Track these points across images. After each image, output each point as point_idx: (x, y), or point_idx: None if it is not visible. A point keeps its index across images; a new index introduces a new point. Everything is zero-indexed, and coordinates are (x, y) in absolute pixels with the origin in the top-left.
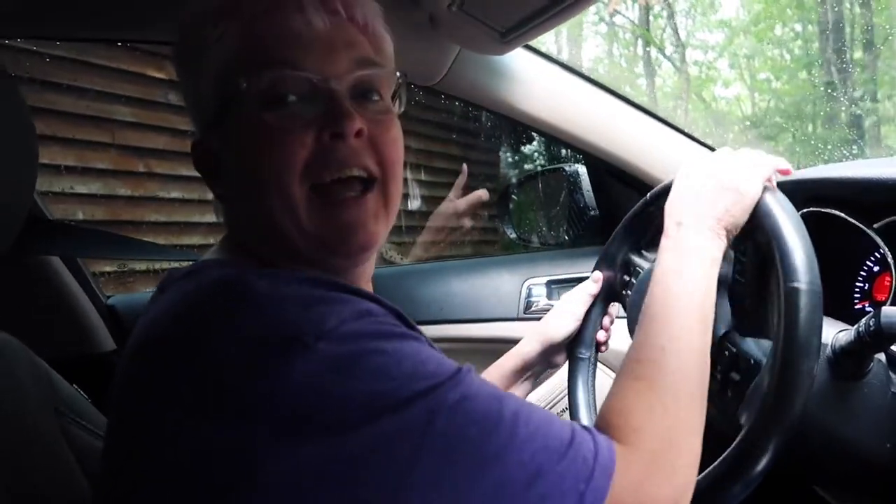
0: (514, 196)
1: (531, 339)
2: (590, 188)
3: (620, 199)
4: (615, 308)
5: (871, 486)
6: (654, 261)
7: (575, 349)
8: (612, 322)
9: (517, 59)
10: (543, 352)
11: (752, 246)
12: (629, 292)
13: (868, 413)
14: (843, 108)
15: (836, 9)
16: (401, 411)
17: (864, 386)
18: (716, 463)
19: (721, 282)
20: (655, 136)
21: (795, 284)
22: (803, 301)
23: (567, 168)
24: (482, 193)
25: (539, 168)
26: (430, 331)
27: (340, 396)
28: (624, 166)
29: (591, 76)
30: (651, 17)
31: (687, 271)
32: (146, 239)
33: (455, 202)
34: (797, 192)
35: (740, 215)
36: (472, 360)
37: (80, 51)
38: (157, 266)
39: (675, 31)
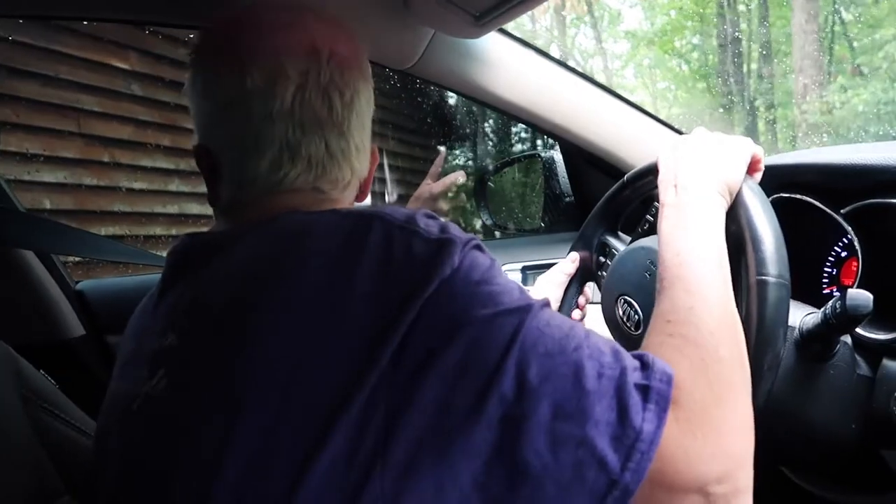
0: (489, 182)
1: None
2: (565, 174)
3: (595, 185)
4: (590, 288)
5: (836, 466)
6: (629, 243)
7: None
8: (587, 301)
9: (492, 44)
10: None
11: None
12: (604, 273)
13: (834, 394)
14: (740, 116)
15: (735, 24)
16: (513, 304)
17: (830, 368)
18: None
19: None
20: (630, 122)
21: (764, 277)
22: (771, 294)
23: (542, 154)
24: (459, 175)
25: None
26: None
27: (468, 295)
28: (599, 153)
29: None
30: (567, 24)
31: (693, 226)
32: (111, 229)
33: (431, 185)
34: (767, 178)
35: (733, 184)
36: None
37: (45, 38)
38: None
39: (599, 40)
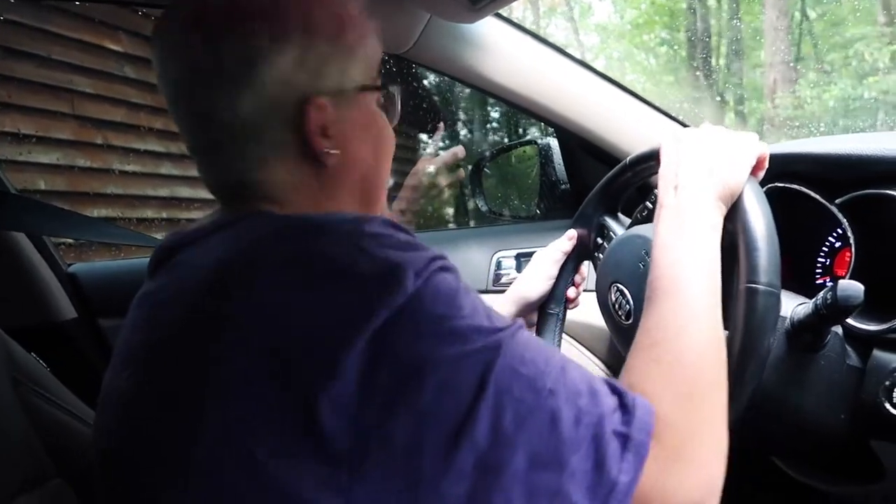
0: (485, 169)
1: (507, 300)
2: (561, 162)
3: (591, 173)
4: (586, 266)
5: (827, 456)
6: (628, 226)
7: (545, 305)
8: (583, 280)
9: (488, 28)
10: (519, 312)
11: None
12: (600, 255)
13: (824, 385)
14: (708, 110)
15: (705, 20)
16: (477, 339)
17: (820, 358)
18: None
19: None
20: (628, 110)
21: (755, 285)
22: (760, 302)
23: (539, 141)
24: (458, 150)
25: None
26: None
27: (435, 322)
28: (596, 140)
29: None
30: (540, 16)
31: (690, 235)
32: (103, 211)
33: (431, 160)
34: None
35: (735, 188)
36: None
37: (38, 18)
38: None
39: (576, 31)
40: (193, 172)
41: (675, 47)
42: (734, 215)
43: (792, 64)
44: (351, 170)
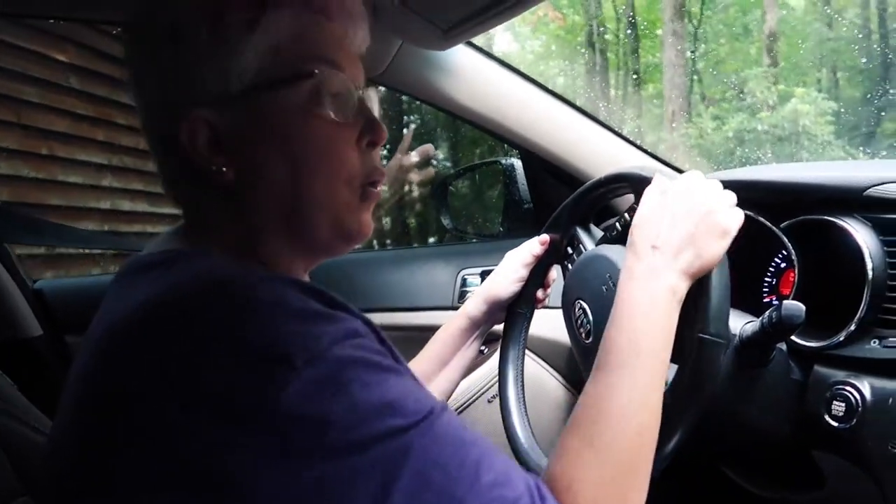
0: (450, 187)
1: (477, 299)
2: (525, 182)
3: (554, 193)
4: (555, 270)
5: (772, 465)
6: (598, 240)
7: (514, 305)
8: (552, 282)
9: (459, 55)
10: (488, 311)
11: None
12: (570, 266)
13: (770, 398)
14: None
15: (604, 54)
16: (376, 446)
17: (766, 373)
18: None
19: None
20: (589, 134)
21: (703, 335)
22: (706, 351)
23: (503, 161)
24: (429, 148)
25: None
26: None
27: (318, 423)
28: (557, 162)
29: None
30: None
31: (657, 310)
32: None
33: (402, 158)
34: None
35: (712, 263)
36: (407, 348)
37: None
38: (90, 250)
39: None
40: (135, 185)
41: (574, 77)
42: None
43: (687, 98)
44: (259, 191)
